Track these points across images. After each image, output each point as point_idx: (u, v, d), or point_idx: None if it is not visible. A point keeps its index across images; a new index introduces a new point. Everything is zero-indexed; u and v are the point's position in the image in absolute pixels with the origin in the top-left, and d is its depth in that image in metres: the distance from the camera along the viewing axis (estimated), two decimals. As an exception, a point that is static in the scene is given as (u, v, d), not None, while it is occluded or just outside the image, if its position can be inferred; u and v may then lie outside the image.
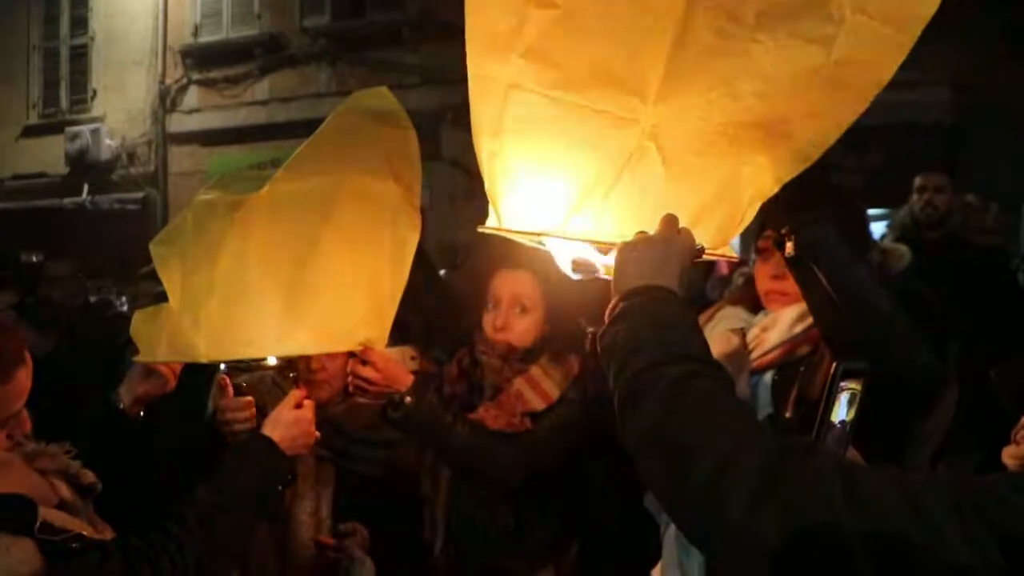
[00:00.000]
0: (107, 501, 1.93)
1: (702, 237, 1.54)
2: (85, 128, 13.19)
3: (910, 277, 3.40)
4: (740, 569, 1.06)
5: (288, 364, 2.43)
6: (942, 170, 4.88)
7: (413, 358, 2.34)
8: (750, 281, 2.21)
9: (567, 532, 2.57)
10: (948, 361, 1.92)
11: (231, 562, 2.19)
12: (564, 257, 1.57)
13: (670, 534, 2.01)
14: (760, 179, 1.57)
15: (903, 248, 3.66)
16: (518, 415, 2.41)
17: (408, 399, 2.24)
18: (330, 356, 2.33)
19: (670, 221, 1.46)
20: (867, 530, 0.96)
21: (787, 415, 1.95)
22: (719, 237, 1.61)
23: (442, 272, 3.69)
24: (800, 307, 2.04)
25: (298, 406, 2.16)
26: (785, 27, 1.43)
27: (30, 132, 14.13)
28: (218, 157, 12.74)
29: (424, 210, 2.30)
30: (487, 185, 1.53)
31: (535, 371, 2.47)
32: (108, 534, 1.83)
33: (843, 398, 1.35)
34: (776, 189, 1.58)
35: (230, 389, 2.24)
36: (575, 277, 1.56)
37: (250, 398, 2.23)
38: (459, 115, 1.72)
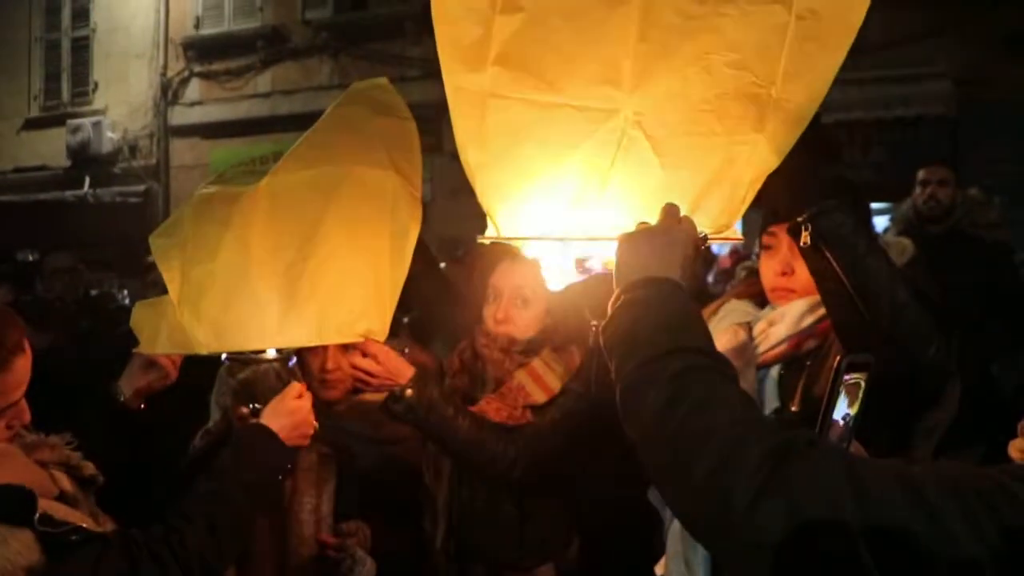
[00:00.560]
0: (109, 493, 1.92)
1: (704, 221, 1.54)
2: (87, 121, 13.19)
3: (913, 271, 3.39)
4: (743, 563, 1.05)
5: (299, 361, 2.43)
6: (945, 164, 4.87)
7: (404, 350, 2.32)
8: (755, 274, 2.19)
9: (569, 525, 2.57)
10: (950, 355, 1.91)
11: (232, 555, 2.18)
12: (566, 257, 1.57)
13: (675, 528, 2.00)
14: (759, 154, 1.57)
15: (905, 241, 3.65)
16: (520, 407, 2.40)
17: (409, 392, 2.23)
18: (343, 354, 2.33)
19: (670, 211, 1.45)
20: (870, 523, 0.96)
21: (793, 409, 1.94)
22: (722, 220, 1.61)
23: (442, 265, 3.68)
24: (807, 301, 2.03)
25: (298, 397, 2.15)
26: None
27: (31, 125, 14.14)
28: (220, 150, 12.74)
29: (425, 203, 2.29)
30: (479, 197, 1.52)
31: (537, 363, 2.47)
32: (109, 526, 1.83)
33: (847, 391, 1.34)
34: (778, 162, 1.58)
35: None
36: (579, 276, 1.55)
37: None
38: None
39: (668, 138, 1.52)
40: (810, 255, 1.83)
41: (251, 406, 2.23)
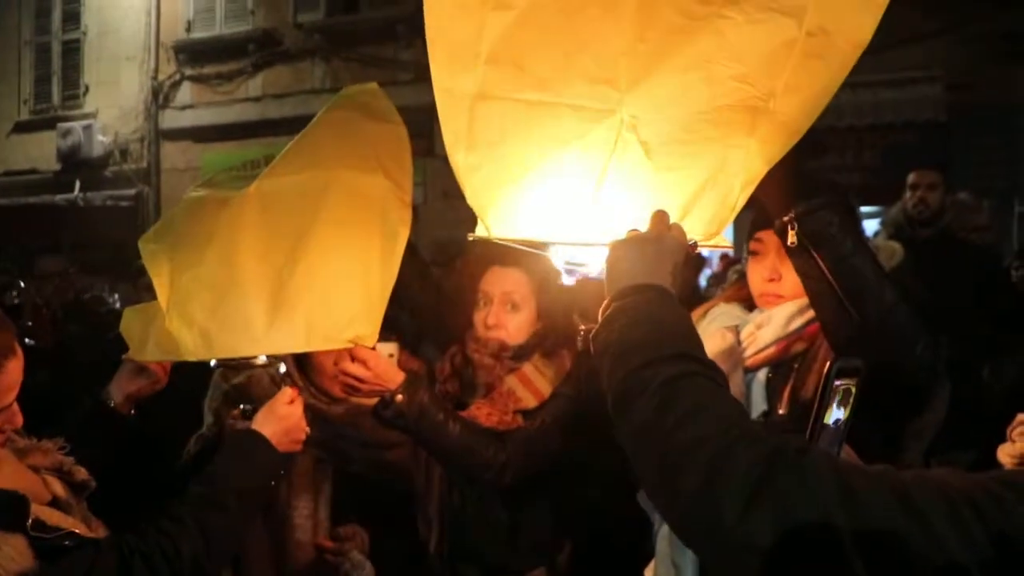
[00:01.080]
0: (101, 499, 1.92)
1: (694, 228, 1.54)
2: (77, 124, 13.13)
3: (902, 274, 3.41)
4: (733, 569, 1.05)
5: (297, 363, 2.42)
6: (935, 168, 4.89)
7: (392, 355, 2.31)
8: (743, 278, 2.20)
9: (561, 529, 2.58)
10: (939, 358, 1.91)
11: (224, 561, 2.18)
12: (557, 260, 1.57)
13: (663, 532, 2.00)
14: (750, 161, 1.56)
15: (895, 245, 3.67)
16: (510, 412, 2.41)
17: (399, 397, 2.22)
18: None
19: (660, 218, 1.45)
20: (860, 529, 0.96)
21: (781, 412, 1.94)
22: (712, 226, 1.61)
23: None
24: (794, 305, 2.03)
25: (289, 403, 2.15)
26: (755, 1, 1.42)
27: (22, 128, 14.07)
28: (211, 153, 12.71)
29: (417, 207, 2.29)
30: (469, 198, 1.51)
31: (527, 368, 2.47)
32: (102, 532, 1.82)
33: (837, 397, 1.34)
34: (766, 170, 1.58)
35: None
36: (569, 280, 1.55)
37: None
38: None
39: (662, 143, 1.51)
40: (797, 255, 1.83)
41: (243, 407, 2.22)
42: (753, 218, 2.10)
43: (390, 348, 2.31)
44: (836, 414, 1.36)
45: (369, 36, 11.44)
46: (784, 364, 2.02)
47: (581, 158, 1.50)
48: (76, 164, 13.12)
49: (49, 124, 13.51)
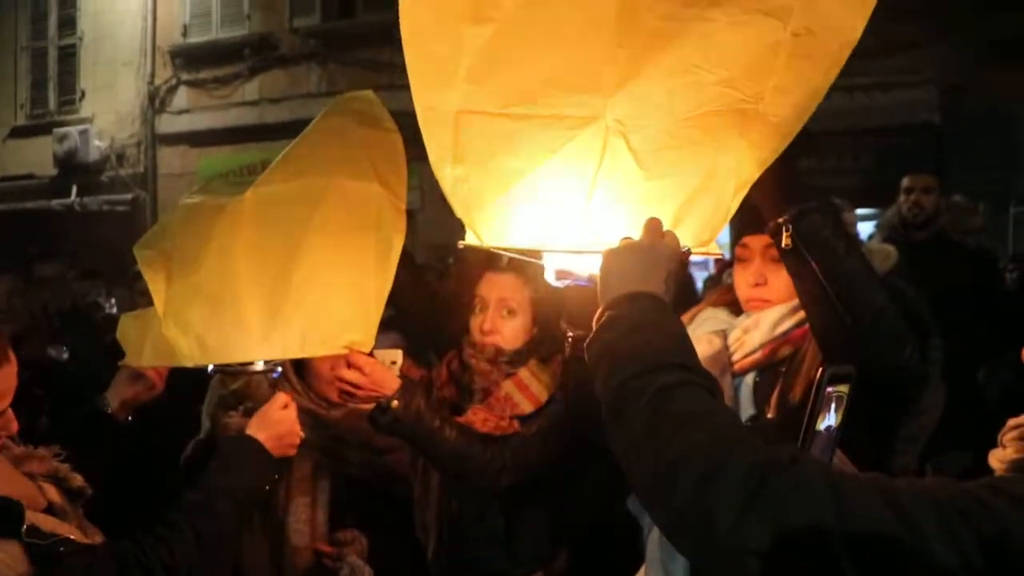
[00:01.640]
0: (98, 505, 1.92)
1: (687, 235, 1.53)
2: (73, 129, 13.10)
3: (897, 277, 3.41)
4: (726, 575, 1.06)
5: (293, 370, 2.42)
6: (929, 171, 4.91)
7: (395, 362, 2.32)
8: (731, 284, 2.21)
9: (557, 534, 2.58)
10: (934, 361, 1.92)
11: (222, 566, 2.18)
12: (548, 268, 1.57)
13: (653, 537, 2.01)
14: (742, 165, 1.56)
15: (889, 248, 3.67)
16: (506, 418, 2.41)
17: (395, 403, 2.23)
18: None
19: (653, 226, 1.46)
20: (852, 536, 0.97)
21: (769, 416, 1.96)
22: (705, 233, 1.60)
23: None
24: (781, 309, 2.05)
25: (283, 408, 2.16)
26: (736, 2, 1.41)
27: (18, 133, 14.04)
28: (208, 158, 12.69)
29: (414, 212, 2.30)
30: (457, 212, 1.50)
31: (523, 374, 2.47)
32: (98, 538, 1.83)
33: (829, 403, 1.35)
34: (759, 173, 1.57)
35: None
36: (559, 285, 1.55)
37: None
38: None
39: (651, 150, 1.50)
40: (789, 258, 1.84)
41: (245, 404, 2.22)
42: (739, 223, 2.11)
43: (394, 355, 2.31)
44: (828, 420, 1.36)
45: (365, 40, 11.42)
46: (771, 368, 2.04)
47: (569, 166, 1.49)
48: (72, 169, 13.08)
49: (45, 129, 13.48)
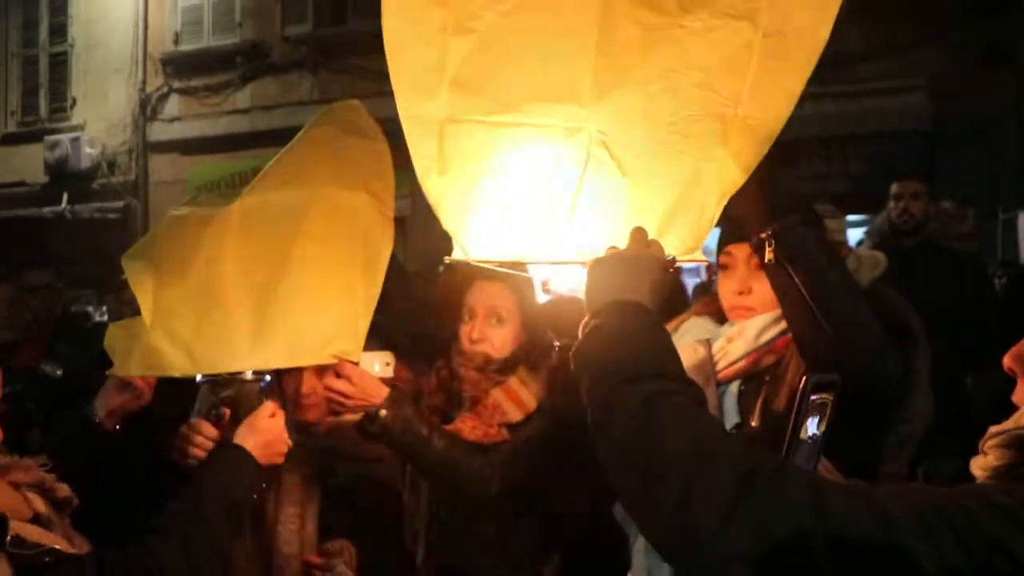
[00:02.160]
0: (85, 514, 1.91)
1: (673, 243, 1.54)
2: (65, 137, 13.08)
3: (887, 284, 3.42)
4: (710, 585, 1.06)
5: (277, 383, 2.42)
6: (918, 177, 4.92)
7: (387, 364, 2.33)
8: (715, 292, 2.22)
9: (548, 542, 2.58)
10: (918, 369, 1.93)
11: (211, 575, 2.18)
12: (535, 279, 1.57)
13: (639, 545, 2.02)
14: (725, 173, 1.57)
15: (878, 255, 3.67)
16: (495, 426, 2.40)
17: (383, 412, 2.23)
18: (319, 379, 2.33)
19: (638, 235, 1.46)
20: (835, 545, 0.97)
21: (753, 424, 1.97)
22: (691, 241, 1.61)
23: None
24: (765, 318, 2.06)
25: (271, 416, 2.16)
26: (708, 7, 1.45)
27: (8, 140, 14.01)
28: (199, 166, 12.68)
29: (405, 218, 2.31)
30: (444, 222, 1.52)
31: (512, 381, 2.47)
32: (85, 548, 1.82)
33: (813, 412, 1.35)
34: (744, 179, 1.58)
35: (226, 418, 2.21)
36: (546, 296, 1.56)
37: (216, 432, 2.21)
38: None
39: (634, 158, 1.51)
40: (773, 271, 1.85)
41: (211, 411, 2.21)
42: (722, 232, 2.12)
43: (386, 357, 2.32)
44: (812, 429, 1.37)
45: (357, 47, 11.43)
46: (755, 377, 2.04)
47: (553, 177, 1.51)
48: (64, 177, 13.05)
49: (36, 137, 13.46)
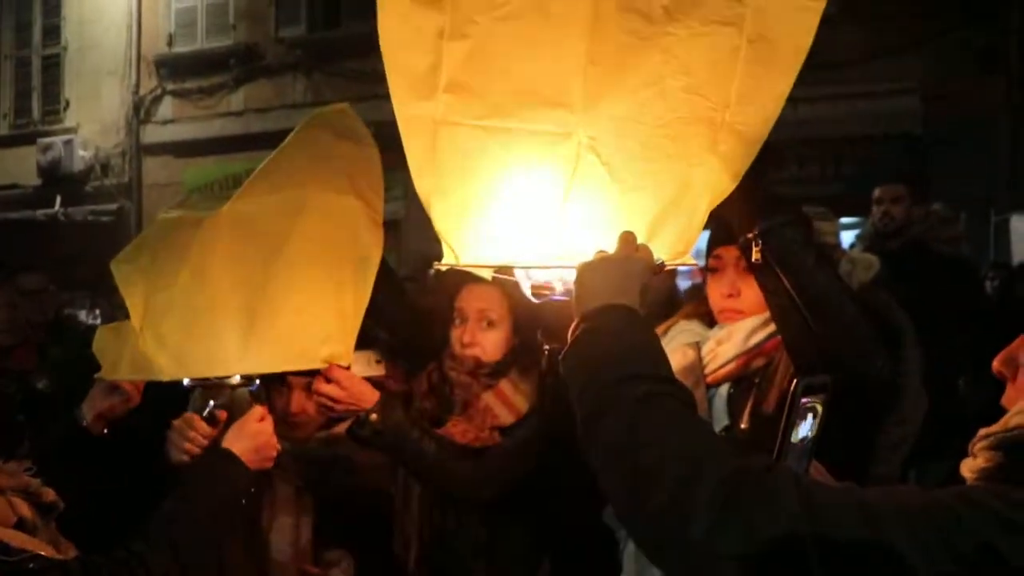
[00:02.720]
0: (72, 519, 1.90)
1: (661, 247, 1.55)
2: (58, 139, 13.07)
3: (879, 286, 3.42)
4: (700, 587, 1.07)
5: (265, 388, 2.42)
6: (900, 181, 4.93)
7: (378, 361, 2.33)
8: (705, 295, 2.23)
9: (539, 546, 2.57)
10: (909, 372, 1.93)
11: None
12: (524, 283, 1.58)
13: (630, 550, 2.02)
14: (714, 177, 1.59)
15: (871, 257, 3.70)
16: (487, 429, 2.40)
17: (374, 416, 2.23)
18: (308, 398, 2.32)
19: (627, 239, 1.47)
20: (823, 545, 0.98)
21: (743, 427, 1.97)
22: (679, 245, 1.62)
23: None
24: (754, 320, 2.06)
25: (260, 420, 2.15)
26: (695, 14, 1.47)
27: (1, 143, 14.00)
28: (193, 168, 12.67)
29: (399, 221, 2.32)
30: (435, 224, 1.54)
31: (504, 385, 2.47)
32: (72, 553, 1.81)
33: (804, 414, 1.35)
34: (733, 185, 1.60)
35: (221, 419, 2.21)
36: (536, 300, 1.56)
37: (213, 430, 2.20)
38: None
39: (624, 162, 1.53)
40: (760, 272, 1.85)
41: (208, 411, 2.20)
42: (711, 235, 2.12)
43: (373, 355, 2.32)
44: (803, 431, 1.37)
45: (351, 50, 11.43)
46: (745, 379, 2.05)
47: (543, 181, 1.52)
48: (57, 179, 13.04)
49: (29, 139, 13.44)
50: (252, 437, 2.11)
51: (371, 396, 2.23)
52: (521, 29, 1.45)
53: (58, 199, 13.10)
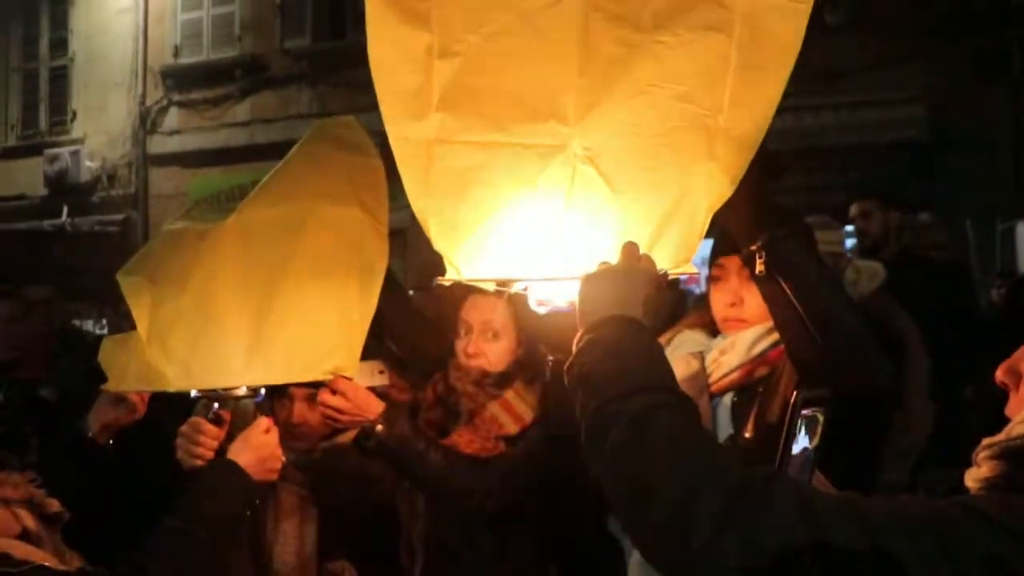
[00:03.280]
0: (77, 530, 1.91)
1: (663, 256, 1.55)
2: (65, 150, 13.09)
3: (886, 294, 3.42)
4: (702, 596, 1.07)
5: (269, 406, 2.42)
6: (870, 195, 4.85)
7: (383, 372, 2.33)
8: (708, 304, 2.22)
9: (544, 556, 2.57)
10: (914, 377, 1.94)
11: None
12: (528, 297, 1.58)
13: (635, 559, 2.02)
14: (712, 183, 1.58)
15: (877, 265, 3.68)
16: (492, 439, 2.41)
17: (379, 427, 2.23)
18: (310, 408, 2.33)
19: (630, 250, 1.48)
20: (824, 555, 0.99)
21: (747, 436, 1.97)
22: (681, 253, 1.62)
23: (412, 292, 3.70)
24: (757, 330, 2.06)
25: (265, 432, 2.15)
26: (682, 22, 1.47)
27: (9, 154, 14.02)
28: (199, 179, 12.70)
29: (405, 230, 2.31)
30: (434, 242, 1.54)
31: (509, 395, 2.47)
32: (76, 563, 1.81)
33: (804, 426, 1.35)
34: (732, 189, 1.60)
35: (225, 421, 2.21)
36: (540, 311, 1.57)
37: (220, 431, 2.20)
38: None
39: (621, 173, 1.53)
40: (764, 283, 1.85)
41: (212, 413, 2.20)
42: (713, 244, 2.13)
43: (379, 365, 2.32)
44: (803, 443, 1.37)
45: (356, 61, 11.27)
46: (749, 388, 2.05)
47: (541, 195, 1.52)
48: (64, 190, 13.07)
49: (36, 150, 13.47)
50: (257, 449, 2.12)
51: (376, 407, 2.24)
52: (510, 45, 1.46)
53: (65, 209, 13.13)
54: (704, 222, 1.62)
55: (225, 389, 2.18)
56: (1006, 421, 1.17)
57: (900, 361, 1.92)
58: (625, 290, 1.41)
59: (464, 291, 2.50)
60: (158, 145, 13.11)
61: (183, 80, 12.87)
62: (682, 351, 2.17)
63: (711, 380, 2.09)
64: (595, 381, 1.30)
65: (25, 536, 1.73)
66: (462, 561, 2.48)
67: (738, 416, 2.03)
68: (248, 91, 12.41)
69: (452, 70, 1.45)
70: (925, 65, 8.89)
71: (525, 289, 1.64)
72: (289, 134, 10.65)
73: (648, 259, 1.48)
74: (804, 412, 1.35)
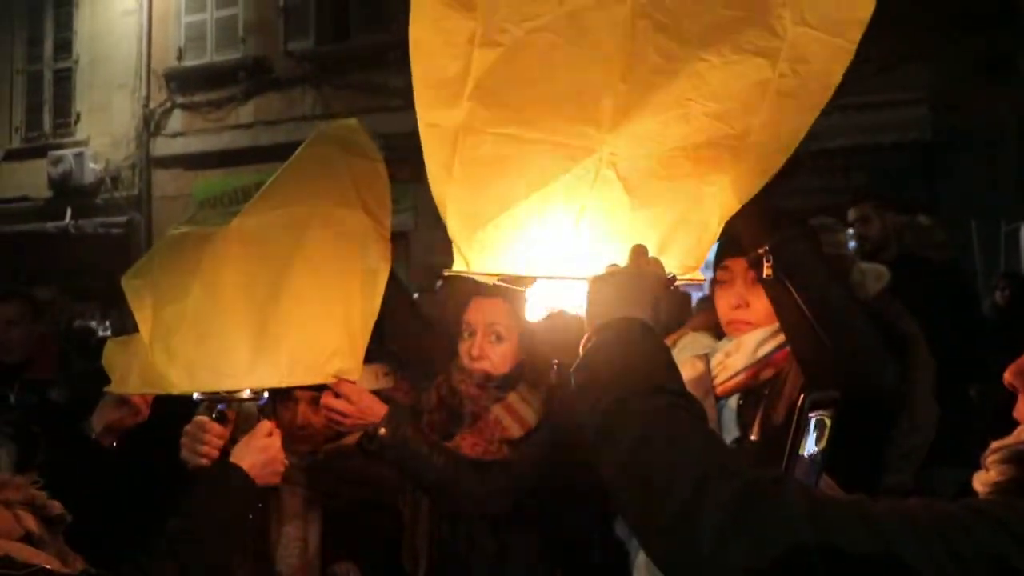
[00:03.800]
0: (81, 532, 1.90)
1: (672, 262, 1.55)
2: (68, 152, 13.14)
3: (890, 296, 3.41)
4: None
5: (272, 409, 2.42)
6: (866, 199, 4.85)
7: (387, 374, 2.33)
8: (713, 307, 2.22)
9: (549, 559, 2.56)
10: (918, 378, 1.93)
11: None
12: (537, 294, 1.58)
13: (640, 560, 2.02)
14: (723, 197, 1.59)
15: (881, 268, 3.67)
16: (495, 442, 2.40)
17: (383, 430, 2.23)
18: (314, 411, 2.33)
19: (639, 252, 1.48)
20: (831, 558, 0.98)
21: (752, 438, 1.97)
22: (689, 261, 1.63)
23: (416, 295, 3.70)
24: (763, 332, 2.06)
25: (268, 435, 2.15)
26: (729, 43, 1.46)
27: (12, 156, 14.06)
28: (202, 181, 12.73)
29: (407, 233, 2.31)
30: (450, 231, 1.53)
31: (512, 398, 2.47)
32: (79, 566, 1.80)
33: (812, 429, 1.35)
34: (739, 205, 1.60)
35: (229, 421, 2.21)
36: (546, 312, 1.57)
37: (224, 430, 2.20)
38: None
39: (640, 179, 1.53)
40: (771, 286, 1.85)
41: (216, 412, 2.20)
42: (719, 247, 2.12)
43: (383, 368, 2.32)
44: (811, 445, 1.36)
45: (359, 63, 11.50)
46: (754, 390, 2.05)
47: (561, 194, 1.52)
48: (67, 192, 13.12)
49: (40, 152, 13.52)
50: (260, 452, 2.11)
51: (379, 410, 2.24)
52: (553, 41, 1.44)
53: (68, 211, 13.17)
54: (715, 232, 1.63)
55: (228, 392, 2.18)
56: (1010, 422, 1.16)
57: (906, 362, 1.91)
58: (633, 292, 1.41)
59: (468, 293, 2.50)
60: (162, 147, 13.15)
61: (187, 82, 12.90)
62: (687, 353, 2.17)
63: (716, 382, 2.08)
64: (602, 383, 1.29)
65: (27, 538, 1.72)
66: (465, 563, 2.48)
67: (744, 419, 2.03)
68: (252, 93, 12.44)
69: (491, 60, 1.43)
70: (929, 66, 8.89)
71: (527, 287, 1.63)
72: (292, 136, 10.67)
73: (657, 262, 1.48)
74: (811, 415, 1.34)
